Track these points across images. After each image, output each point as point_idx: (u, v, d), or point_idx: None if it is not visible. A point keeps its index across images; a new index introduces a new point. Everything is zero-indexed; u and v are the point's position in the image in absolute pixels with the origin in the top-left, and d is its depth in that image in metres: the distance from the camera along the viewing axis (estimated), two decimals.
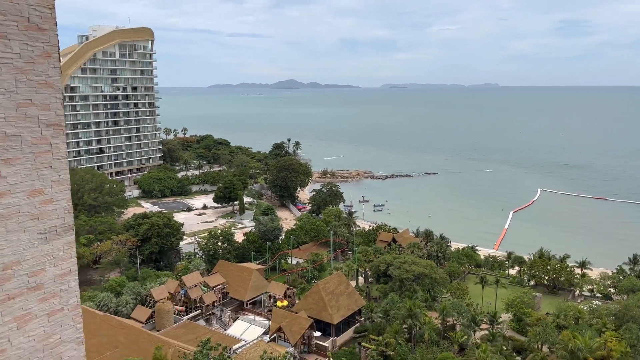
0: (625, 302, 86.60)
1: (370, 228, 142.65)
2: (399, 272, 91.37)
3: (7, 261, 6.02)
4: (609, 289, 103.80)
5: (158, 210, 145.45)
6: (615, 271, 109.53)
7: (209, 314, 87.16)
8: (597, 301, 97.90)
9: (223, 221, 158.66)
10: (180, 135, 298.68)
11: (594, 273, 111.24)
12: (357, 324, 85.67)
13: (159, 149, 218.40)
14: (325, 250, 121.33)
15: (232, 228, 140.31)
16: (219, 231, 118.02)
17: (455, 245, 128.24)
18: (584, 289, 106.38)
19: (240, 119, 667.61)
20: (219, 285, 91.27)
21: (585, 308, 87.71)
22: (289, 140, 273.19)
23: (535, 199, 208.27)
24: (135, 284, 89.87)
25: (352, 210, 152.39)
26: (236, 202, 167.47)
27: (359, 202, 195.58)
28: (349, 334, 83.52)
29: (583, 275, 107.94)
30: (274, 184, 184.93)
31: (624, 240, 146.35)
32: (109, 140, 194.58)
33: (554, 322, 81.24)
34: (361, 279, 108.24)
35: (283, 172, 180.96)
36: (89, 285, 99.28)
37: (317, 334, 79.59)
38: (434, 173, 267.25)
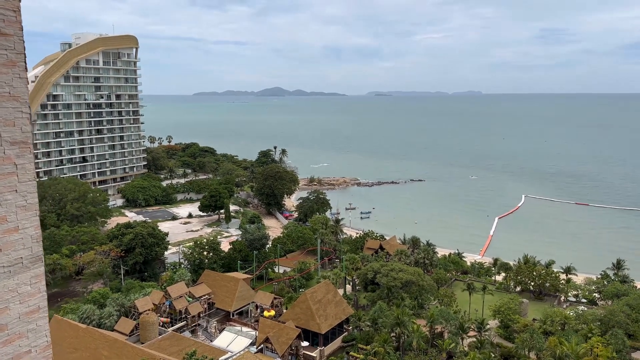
0: (611, 308, 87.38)
1: (358, 235, 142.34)
2: (386, 280, 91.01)
3: None
4: (594, 294, 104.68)
5: (142, 220, 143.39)
6: (599, 276, 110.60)
7: (195, 325, 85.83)
8: (582, 306, 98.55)
9: (209, 230, 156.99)
10: (165, 143, 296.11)
11: (578, 278, 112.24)
12: (345, 333, 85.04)
13: (143, 157, 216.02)
14: (312, 259, 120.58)
15: (218, 237, 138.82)
16: (205, 240, 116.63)
17: (441, 251, 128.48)
18: (570, 294, 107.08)
19: (226, 126, 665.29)
20: (204, 295, 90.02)
21: (571, 314, 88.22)
22: (275, 147, 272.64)
23: (519, 205, 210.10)
24: (119, 295, 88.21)
25: (339, 218, 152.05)
26: (222, 211, 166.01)
27: (346, 209, 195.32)
28: (337, 343, 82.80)
29: (568, 280, 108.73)
30: (261, 192, 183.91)
31: (607, 245, 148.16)
32: (92, 149, 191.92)
33: (541, 328, 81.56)
34: (349, 287, 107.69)
35: (269, 180, 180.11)
36: (71, 297, 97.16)
37: (305, 343, 78.75)
38: (420, 180, 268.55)
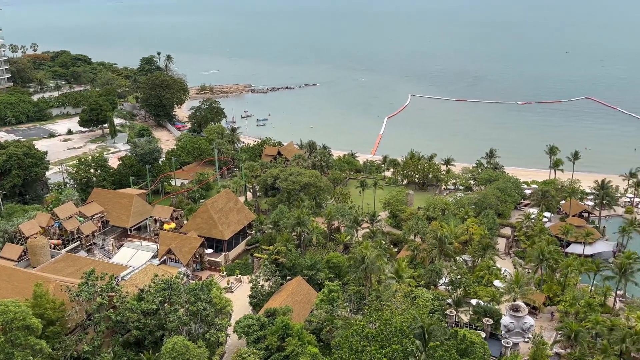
0: (484, 192, 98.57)
1: (255, 143, 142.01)
2: (286, 184, 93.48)
3: None
4: (470, 181, 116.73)
5: (15, 139, 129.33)
6: (474, 165, 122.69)
7: (90, 245, 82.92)
8: (460, 193, 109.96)
9: (93, 146, 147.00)
10: (30, 52, 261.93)
11: (457, 168, 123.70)
12: (249, 237, 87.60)
13: (6, 69, 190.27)
14: (210, 169, 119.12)
15: (105, 153, 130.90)
16: (90, 157, 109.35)
17: (336, 153, 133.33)
18: (449, 183, 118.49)
19: (99, 31, 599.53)
20: (97, 214, 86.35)
21: (451, 200, 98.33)
22: (159, 54, 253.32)
23: (406, 104, 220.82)
24: (0, 221, 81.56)
25: (235, 126, 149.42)
26: (106, 125, 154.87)
27: (242, 117, 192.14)
28: (241, 247, 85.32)
29: (448, 171, 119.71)
30: (147, 103, 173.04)
31: (481, 136, 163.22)
32: None
33: (425, 214, 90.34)
34: (249, 194, 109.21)
35: (156, 89, 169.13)
36: None
37: (209, 251, 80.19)
38: (313, 84, 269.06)
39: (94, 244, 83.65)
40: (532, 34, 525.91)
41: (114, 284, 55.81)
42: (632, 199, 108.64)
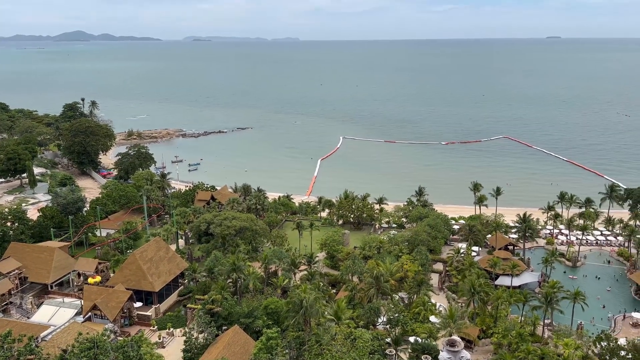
0: (415, 229, 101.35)
1: (187, 188, 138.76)
2: (220, 229, 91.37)
3: None
4: (402, 219, 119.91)
5: None
6: (405, 203, 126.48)
7: (6, 304, 76.07)
8: (393, 231, 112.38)
9: (10, 197, 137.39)
10: None
11: (389, 207, 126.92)
12: (181, 287, 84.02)
13: None
14: (139, 217, 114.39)
15: (23, 204, 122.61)
16: (7, 210, 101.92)
17: (271, 195, 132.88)
18: (383, 221, 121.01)
19: (18, 77, 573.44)
20: (13, 270, 79.80)
21: (385, 238, 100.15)
22: (83, 100, 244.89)
23: (338, 146, 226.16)
24: None
25: (166, 172, 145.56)
26: (24, 175, 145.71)
27: (172, 162, 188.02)
28: (173, 298, 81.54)
29: (381, 210, 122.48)
30: (70, 150, 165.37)
31: (410, 175, 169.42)
32: None
33: (361, 254, 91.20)
34: (182, 242, 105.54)
35: (80, 136, 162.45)
36: None
37: (139, 304, 75.92)
38: (246, 128, 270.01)
39: (11, 303, 76.93)
40: (451, 79, 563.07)
41: (34, 345, 51.55)
42: (552, 231, 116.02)
